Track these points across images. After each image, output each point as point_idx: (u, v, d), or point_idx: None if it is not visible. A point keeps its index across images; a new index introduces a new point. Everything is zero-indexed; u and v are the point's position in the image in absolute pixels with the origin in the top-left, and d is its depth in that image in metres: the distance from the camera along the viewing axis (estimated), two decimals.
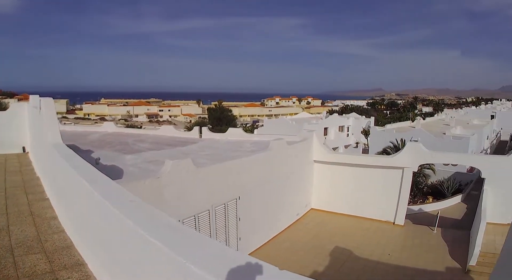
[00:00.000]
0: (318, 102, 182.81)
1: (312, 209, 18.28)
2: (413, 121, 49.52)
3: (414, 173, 23.09)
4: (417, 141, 30.56)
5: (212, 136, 19.66)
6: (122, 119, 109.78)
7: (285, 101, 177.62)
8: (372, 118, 60.43)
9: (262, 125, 56.98)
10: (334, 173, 17.68)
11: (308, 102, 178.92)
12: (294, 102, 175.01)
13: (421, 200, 24.43)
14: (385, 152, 27.71)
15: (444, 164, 26.44)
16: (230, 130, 19.84)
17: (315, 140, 17.41)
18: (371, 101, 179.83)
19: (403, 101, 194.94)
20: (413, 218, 18.81)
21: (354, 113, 68.90)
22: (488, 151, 41.11)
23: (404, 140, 26.91)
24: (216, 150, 15.57)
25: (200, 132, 20.06)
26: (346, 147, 48.94)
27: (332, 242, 14.33)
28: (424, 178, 26.58)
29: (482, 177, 15.28)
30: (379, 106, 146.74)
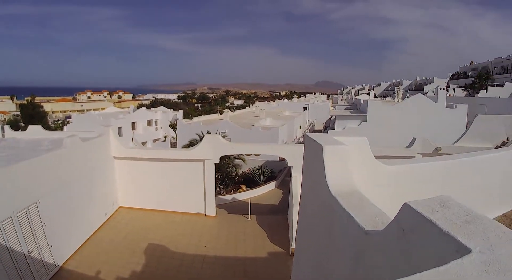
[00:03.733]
0: (129, 96, 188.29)
1: (120, 207, 18.59)
2: (221, 114, 52.51)
3: (222, 164, 24.37)
4: (224, 132, 32.47)
5: (15, 136, 19.44)
6: None
7: (97, 95, 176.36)
8: (181, 111, 63.39)
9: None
10: (136, 168, 18.06)
11: (120, 96, 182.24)
12: (105, 97, 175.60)
13: (234, 189, 26.07)
14: (191, 144, 28.34)
15: (246, 155, 28.63)
16: (30, 128, 19.71)
17: (111, 135, 17.61)
18: (182, 95, 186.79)
19: (215, 94, 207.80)
20: (229, 207, 19.82)
21: (162, 107, 71.22)
22: (301, 139, 46.73)
23: (210, 132, 27.95)
24: (16, 150, 15.23)
25: (3, 131, 19.70)
26: (154, 141, 48.97)
27: (146, 239, 14.79)
28: (234, 168, 28.29)
29: (288, 165, 17.07)
30: (190, 100, 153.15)
